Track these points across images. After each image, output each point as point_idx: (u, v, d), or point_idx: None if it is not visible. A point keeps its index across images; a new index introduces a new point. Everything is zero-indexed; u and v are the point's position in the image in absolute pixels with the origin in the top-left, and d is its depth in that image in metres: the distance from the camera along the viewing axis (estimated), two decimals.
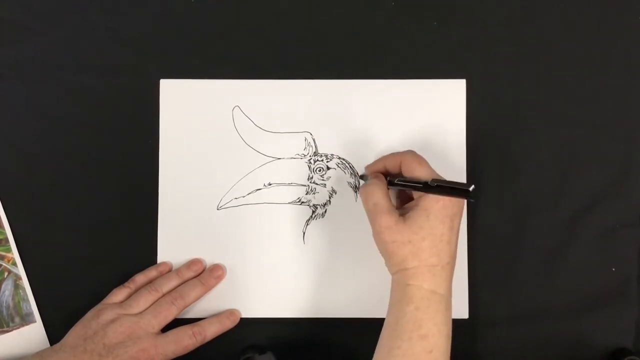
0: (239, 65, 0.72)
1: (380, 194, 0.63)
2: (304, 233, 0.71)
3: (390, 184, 0.65)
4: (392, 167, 0.66)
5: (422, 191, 0.62)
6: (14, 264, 0.70)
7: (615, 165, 0.71)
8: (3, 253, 0.70)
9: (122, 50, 0.72)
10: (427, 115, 0.71)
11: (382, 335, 0.62)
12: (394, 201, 0.66)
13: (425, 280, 0.61)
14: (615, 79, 0.72)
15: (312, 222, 0.71)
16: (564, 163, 0.71)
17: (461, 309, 0.70)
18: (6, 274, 0.70)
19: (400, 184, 0.64)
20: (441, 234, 0.61)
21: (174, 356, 0.66)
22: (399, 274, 0.62)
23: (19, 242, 0.71)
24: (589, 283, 0.71)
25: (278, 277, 0.71)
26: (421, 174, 0.63)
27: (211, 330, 0.68)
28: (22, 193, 0.71)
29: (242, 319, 0.70)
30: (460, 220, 0.63)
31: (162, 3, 0.73)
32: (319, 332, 0.71)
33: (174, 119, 0.72)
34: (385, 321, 0.62)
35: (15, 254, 0.71)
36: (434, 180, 0.61)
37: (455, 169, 0.71)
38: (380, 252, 0.63)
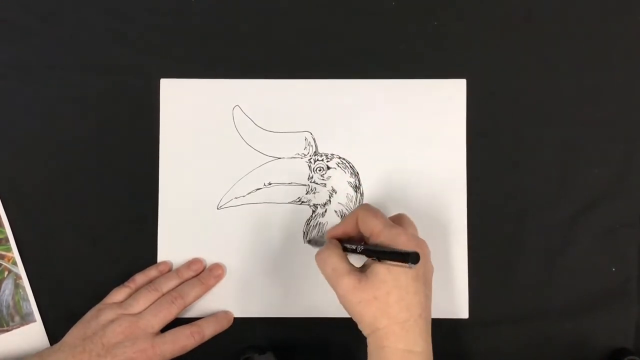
0: (239, 65, 0.72)
1: (336, 258, 0.61)
2: (304, 233, 0.71)
3: (344, 249, 0.63)
4: (350, 227, 0.64)
5: (365, 255, 0.60)
6: (14, 263, 0.70)
7: (615, 165, 0.71)
8: (3, 253, 0.70)
9: (122, 50, 0.72)
10: (427, 115, 0.71)
11: None
12: (359, 262, 0.63)
13: (400, 340, 0.58)
14: (615, 79, 0.72)
15: (312, 222, 0.71)
16: (564, 163, 0.71)
17: (461, 309, 0.70)
18: (6, 273, 0.70)
19: (349, 249, 0.62)
20: (406, 285, 0.58)
21: (172, 356, 0.66)
22: (372, 336, 0.59)
23: (19, 241, 0.71)
24: (589, 283, 0.71)
25: (278, 277, 0.71)
26: (377, 225, 0.61)
27: (209, 330, 0.68)
28: (22, 193, 0.71)
29: (241, 319, 0.70)
30: (426, 268, 0.61)
31: (162, 3, 0.73)
32: (319, 332, 0.71)
33: (174, 118, 0.72)
34: None
35: (15, 253, 0.71)
36: (369, 246, 0.60)
37: (455, 169, 0.71)
38: (351, 315, 0.61)
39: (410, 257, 0.56)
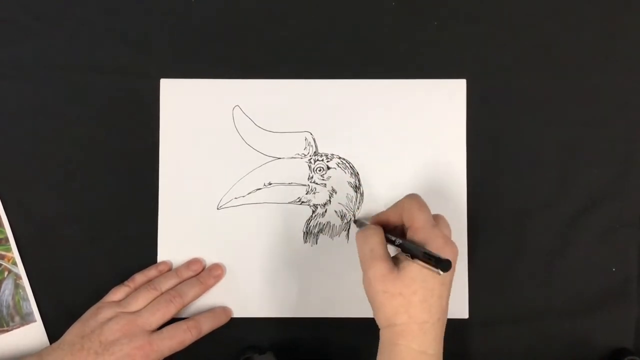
0: (239, 65, 0.72)
1: (377, 240, 0.61)
2: (304, 233, 0.71)
3: (387, 239, 0.63)
4: (395, 216, 0.64)
5: (402, 250, 0.60)
6: (14, 263, 0.71)
7: (615, 165, 0.71)
8: (3, 253, 0.70)
9: (122, 50, 0.72)
10: (427, 115, 0.71)
11: None
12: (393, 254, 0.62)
13: (415, 340, 0.58)
14: (615, 79, 0.72)
15: (312, 222, 0.71)
16: (564, 163, 0.71)
17: (461, 309, 0.70)
18: (6, 273, 0.70)
19: (388, 239, 0.62)
20: (432, 288, 0.58)
21: (171, 352, 0.66)
22: (388, 329, 0.59)
23: (19, 241, 0.71)
24: (589, 283, 0.71)
25: (278, 277, 0.71)
26: (420, 219, 0.60)
27: (207, 325, 0.68)
28: (22, 192, 0.71)
29: (241, 319, 0.70)
30: (452, 273, 0.60)
31: (162, 3, 0.73)
32: (319, 332, 0.71)
33: (174, 119, 0.72)
34: None
35: (15, 253, 0.71)
36: (406, 242, 0.60)
37: (455, 169, 0.71)
38: (370, 302, 0.60)
39: (442, 265, 0.56)
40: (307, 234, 0.71)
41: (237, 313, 0.70)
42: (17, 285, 0.70)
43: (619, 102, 0.72)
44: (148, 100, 0.72)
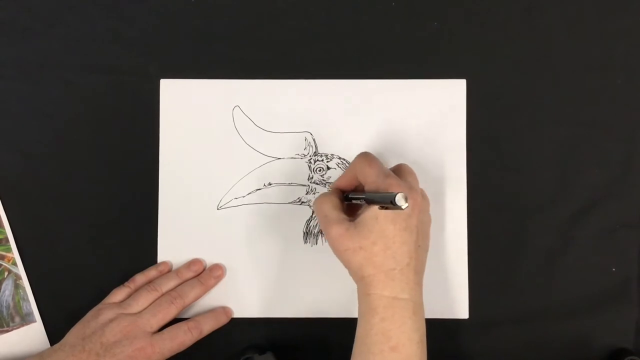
0: (239, 65, 0.72)
1: (329, 205, 0.62)
2: (304, 233, 0.71)
3: (345, 199, 0.64)
4: (350, 179, 0.65)
5: (366, 203, 0.60)
6: (14, 264, 0.71)
7: (615, 165, 0.71)
8: (3, 253, 0.70)
9: (122, 50, 0.72)
10: (427, 115, 0.71)
11: (355, 350, 0.60)
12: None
13: (386, 287, 0.59)
14: (615, 79, 0.72)
15: (312, 222, 0.71)
16: (564, 163, 0.71)
17: (461, 309, 0.70)
18: (6, 273, 0.70)
19: (350, 198, 0.63)
20: (393, 235, 0.59)
21: (172, 353, 0.66)
22: (360, 283, 0.60)
23: (19, 242, 0.71)
24: (589, 283, 0.71)
25: (278, 277, 0.71)
26: (371, 174, 0.61)
27: (207, 326, 0.68)
28: (22, 193, 0.71)
29: (242, 319, 0.70)
30: (420, 217, 0.61)
31: (162, 3, 0.73)
32: (319, 332, 0.71)
33: (174, 119, 0.72)
34: (356, 334, 0.61)
35: (15, 254, 0.71)
36: (361, 193, 0.61)
37: (456, 169, 0.71)
38: (342, 263, 0.62)
39: (395, 199, 0.54)
40: (307, 234, 0.71)
41: (237, 313, 0.70)
42: (17, 286, 0.70)
43: (619, 102, 0.72)
44: (148, 100, 0.72)
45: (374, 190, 0.60)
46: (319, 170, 0.71)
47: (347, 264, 0.61)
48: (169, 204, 0.71)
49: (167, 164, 0.71)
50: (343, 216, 0.62)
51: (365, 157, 0.63)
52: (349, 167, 0.65)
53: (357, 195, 0.62)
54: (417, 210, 0.61)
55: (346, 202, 0.65)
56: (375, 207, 0.59)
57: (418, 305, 0.60)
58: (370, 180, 0.61)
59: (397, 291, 0.59)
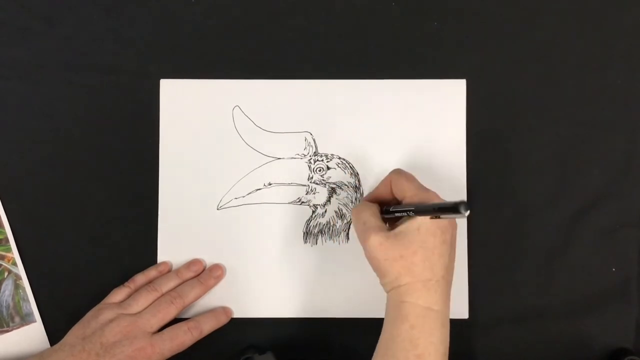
0: (239, 65, 0.72)
1: (368, 213, 0.63)
2: (304, 233, 0.71)
3: (385, 212, 0.64)
4: (384, 192, 0.66)
5: (416, 214, 0.61)
6: (14, 264, 0.71)
7: (615, 165, 0.71)
8: (3, 253, 0.70)
9: (122, 50, 0.72)
10: (427, 115, 0.71)
11: (378, 352, 0.61)
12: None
13: (421, 297, 0.59)
14: (615, 79, 0.72)
15: (312, 222, 0.71)
16: (564, 163, 0.71)
17: (461, 309, 0.70)
18: (6, 274, 0.70)
19: (392, 212, 0.63)
20: (433, 247, 0.60)
21: (172, 353, 0.66)
22: (394, 291, 0.61)
23: (19, 242, 0.71)
24: (589, 283, 0.71)
25: (278, 277, 0.71)
26: (410, 188, 0.63)
27: (207, 326, 0.68)
28: (22, 193, 0.71)
29: (241, 319, 0.70)
30: (453, 232, 0.62)
31: (162, 3, 0.73)
32: (319, 332, 0.71)
33: (174, 119, 0.72)
34: (380, 338, 0.61)
35: (15, 254, 0.71)
36: (416, 205, 0.61)
37: (456, 169, 0.71)
38: (375, 271, 0.62)
39: (461, 206, 0.56)
40: (307, 234, 0.71)
41: (237, 313, 0.70)
42: (17, 286, 0.70)
43: (619, 102, 0.72)
44: (148, 100, 0.72)
45: (416, 203, 0.61)
46: (319, 170, 0.71)
47: (383, 273, 0.61)
48: (169, 204, 0.71)
49: (167, 164, 0.71)
50: (382, 225, 0.62)
51: (401, 173, 0.65)
52: (382, 182, 0.66)
53: (402, 207, 0.62)
54: (453, 225, 0.62)
55: (385, 216, 0.64)
56: (418, 219, 0.60)
57: (446, 318, 0.61)
58: (411, 194, 0.62)
59: (431, 302, 0.60)
